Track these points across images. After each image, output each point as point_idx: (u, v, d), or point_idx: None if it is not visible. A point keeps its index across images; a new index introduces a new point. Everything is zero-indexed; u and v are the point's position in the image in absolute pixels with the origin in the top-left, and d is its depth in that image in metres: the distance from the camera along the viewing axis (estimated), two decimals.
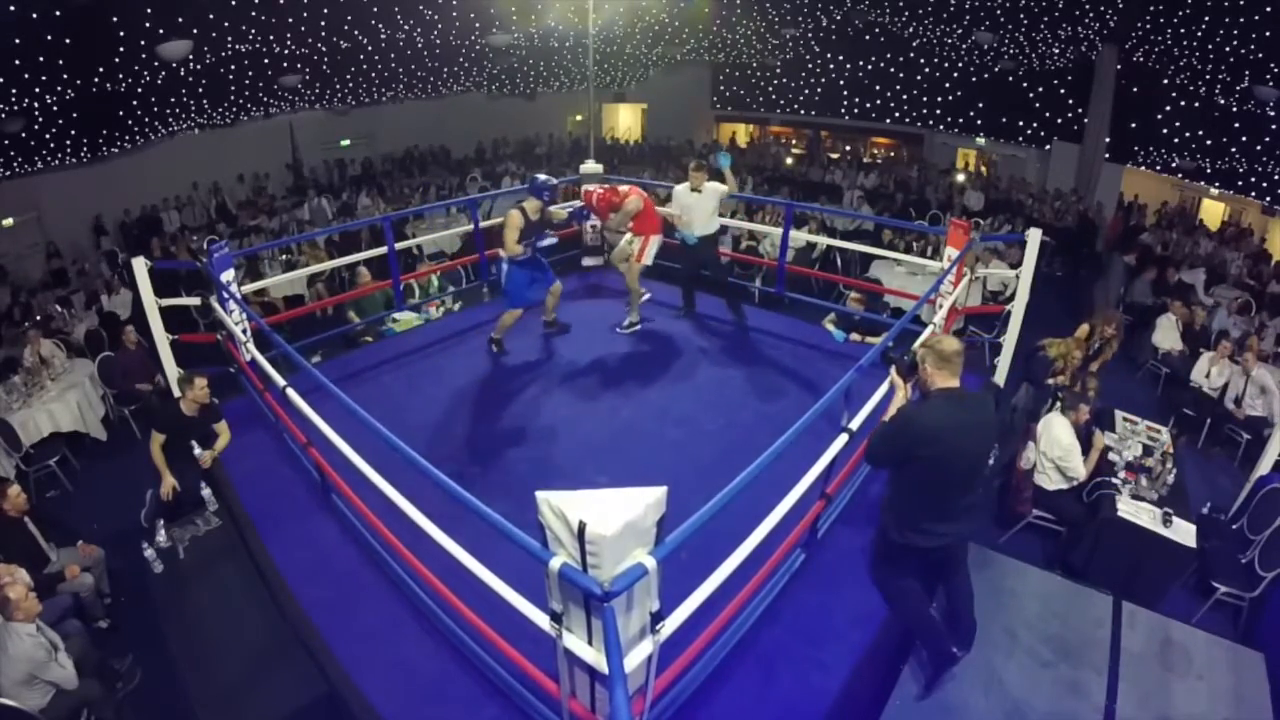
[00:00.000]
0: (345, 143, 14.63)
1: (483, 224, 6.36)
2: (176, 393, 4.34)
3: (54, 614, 3.70)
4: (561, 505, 1.93)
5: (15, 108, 7.58)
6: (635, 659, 2.06)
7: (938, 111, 14.59)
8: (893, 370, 2.91)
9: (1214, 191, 11.92)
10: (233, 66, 9.61)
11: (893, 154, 16.74)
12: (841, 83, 15.50)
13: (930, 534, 2.67)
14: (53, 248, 10.33)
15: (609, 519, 1.88)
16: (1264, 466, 4.76)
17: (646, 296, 5.88)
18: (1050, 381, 5.05)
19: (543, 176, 5.01)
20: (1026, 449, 4.70)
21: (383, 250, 5.86)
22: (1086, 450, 4.53)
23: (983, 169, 15.23)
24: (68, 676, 3.29)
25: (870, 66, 14.92)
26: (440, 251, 10.02)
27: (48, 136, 8.75)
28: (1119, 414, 5.24)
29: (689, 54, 14.86)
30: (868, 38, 14.44)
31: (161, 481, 4.01)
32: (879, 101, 15.21)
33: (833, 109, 15.85)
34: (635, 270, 5.52)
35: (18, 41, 6.42)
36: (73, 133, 9.05)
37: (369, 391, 4.85)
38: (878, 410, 3.24)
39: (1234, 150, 10.42)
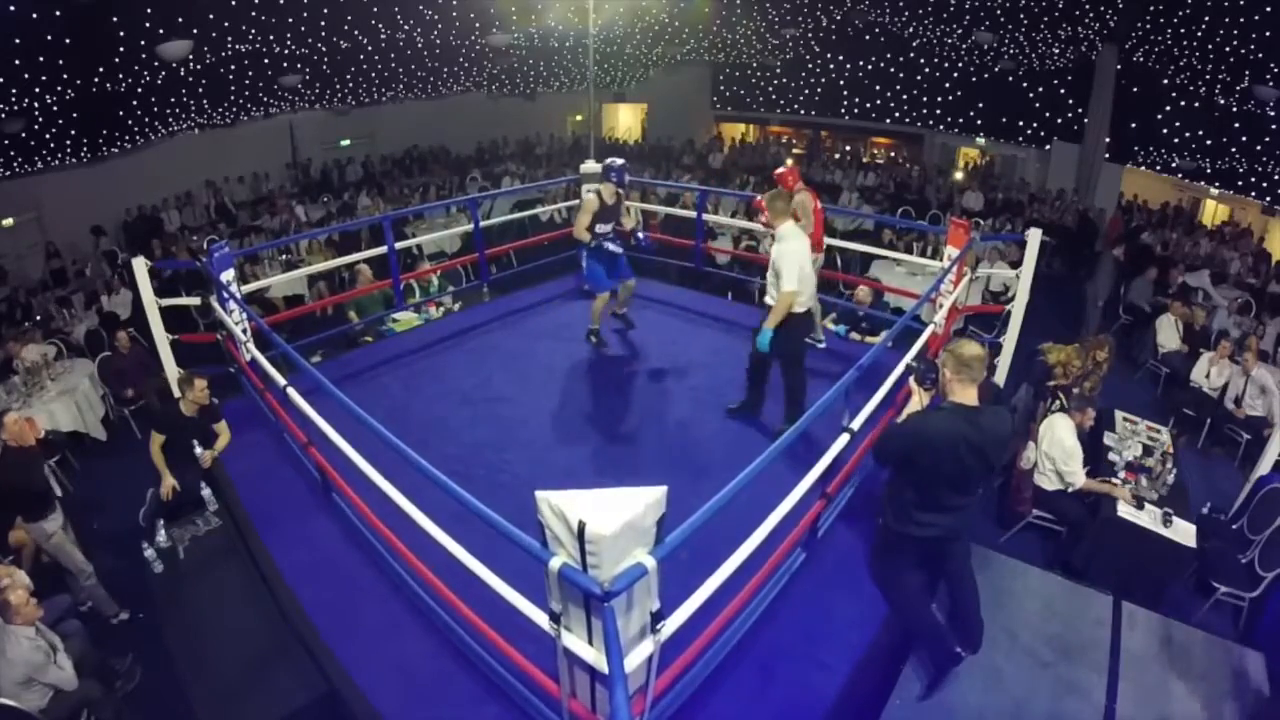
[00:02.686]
0: (345, 142, 14.62)
1: (482, 224, 6.36)
2: (176, 393, 4.34)
3: (54, 615, 3.70)
4: (561, 505, 1.93)
5: (15, 108, 7.57)
6: (635, 659, 2.06)
7: (938, 111, 14.58)
8: (911, 379, 2.97)
9: (1214, 192, 11.92)
10: (233, 66, 9.60)
11: (893, 154, 16.74)
12: (841, 83, 15.50)
13: (921, 524, 2.71)
14: (52, 248, 10.32)
15: (609, 519, 1.88)
16: (1264, 466, 4.76)
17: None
18: (1050, 383, 5.05)
19: (619, 161, 5.16)
20: (1026, 449, 4.70)
21: (383, 250, 5.87)
22: (1087, 452, 4.53)
23: (982, 162, 15.21)
24: (66, 678, 3.29)
25: (870, 66, 14.92)
26: (440, 251, 10.02)
27: (48, 136, 8.73)
28: (1119, 414, 5.24)
29: (689, 54, 14.85)
30: (868, 38, 14.44)
31: (161, 482, 4.01)
32: (879, 101, 15.20)
33: (833, 109, 15.85)
34: None
35: (18, 41, 6.41)
36: (73, 133, 9.04)
37: (369, 391, 4.85)
38: (878, 411, 3.24)
39: (1234, 150, 10.41)
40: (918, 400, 2.92)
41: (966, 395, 2.62)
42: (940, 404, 2.73)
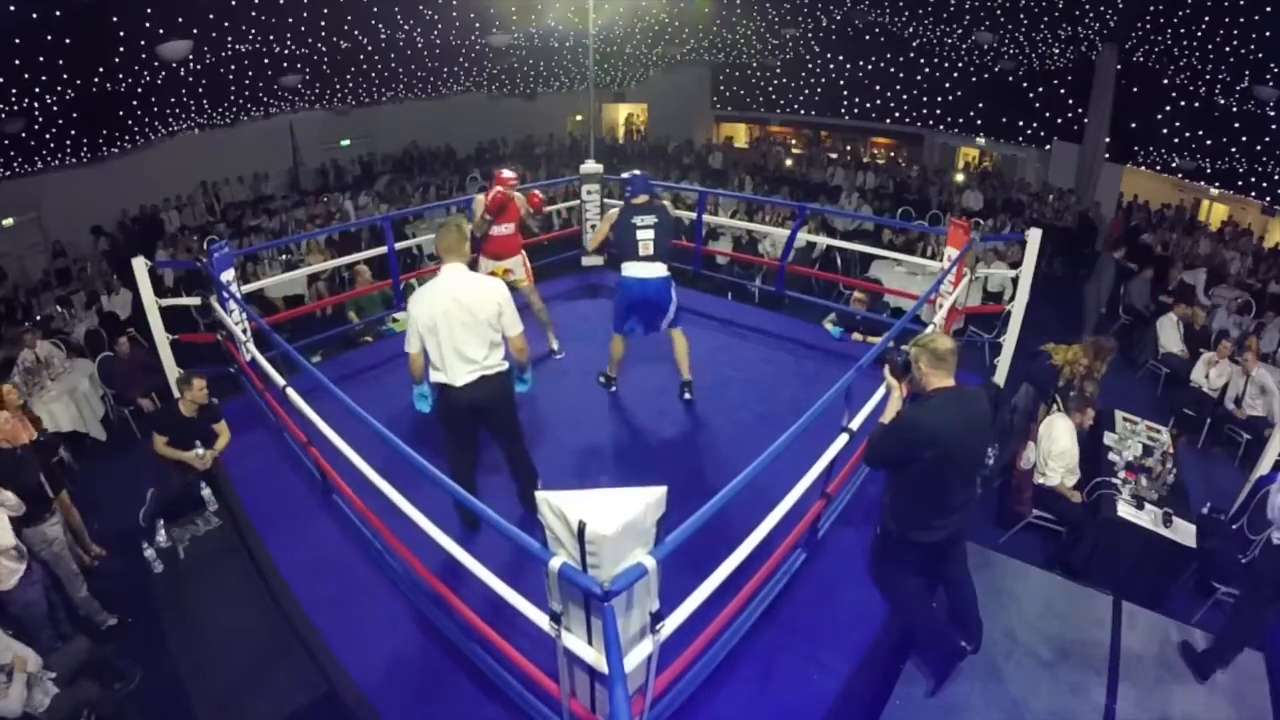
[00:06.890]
0: (345, 143, 14.61)
1: None
2: (175, 393, 4.34)
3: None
4: (561, 505, 1.93)
5: (15, 108, 7.58)
6: (635, 659, 2.06)
7: (938, 111, 14.58)
8: (886, 370, 2.89)
9: (1214, 192, 11.92)
10: (233, 66, 9.61)
11: (893, 154, 16.75)
12: (841, 83, 15.50)
13: (931, 528, 2.70)
14: (58, 246, 10.34)
15: (609, 519, 1.88)
16: (1264, 466, 4.76)
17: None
18: (1059, 384, 5.05)
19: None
20: (1026, 449, 4.70)
21: (383, 250, 5.86)
22: (1086, 451, 4.53)
23: (986, 163, 15.20)
24: (6, 708, 3.01)
25: (870, 66, 14.92)
26: None
27: (48, 136, 8.76)
28: (1119, 414, 5.24)
29: (689, 54, 14.86)
30: (868, 38, 14.44)
31: (165, 481, 4.01)
32: (879, 101, 15.20)
33: (833, 109, 15.85)
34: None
35: (18, 41, 6.42)
36: (73, 133, 9.06)
37: (369, 391, 4.84)
38: (877, 410, 3.24)
39: (1234, 150, 10.41)
40: (898, 395, 2.86)
41: (946, 383, 2.62)
42: (921, 395, 2.69)
